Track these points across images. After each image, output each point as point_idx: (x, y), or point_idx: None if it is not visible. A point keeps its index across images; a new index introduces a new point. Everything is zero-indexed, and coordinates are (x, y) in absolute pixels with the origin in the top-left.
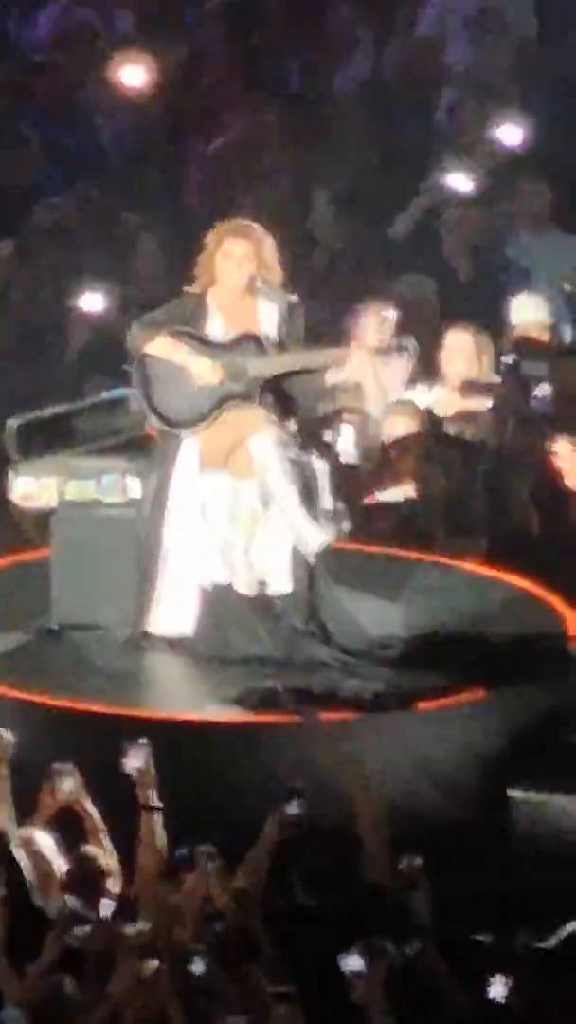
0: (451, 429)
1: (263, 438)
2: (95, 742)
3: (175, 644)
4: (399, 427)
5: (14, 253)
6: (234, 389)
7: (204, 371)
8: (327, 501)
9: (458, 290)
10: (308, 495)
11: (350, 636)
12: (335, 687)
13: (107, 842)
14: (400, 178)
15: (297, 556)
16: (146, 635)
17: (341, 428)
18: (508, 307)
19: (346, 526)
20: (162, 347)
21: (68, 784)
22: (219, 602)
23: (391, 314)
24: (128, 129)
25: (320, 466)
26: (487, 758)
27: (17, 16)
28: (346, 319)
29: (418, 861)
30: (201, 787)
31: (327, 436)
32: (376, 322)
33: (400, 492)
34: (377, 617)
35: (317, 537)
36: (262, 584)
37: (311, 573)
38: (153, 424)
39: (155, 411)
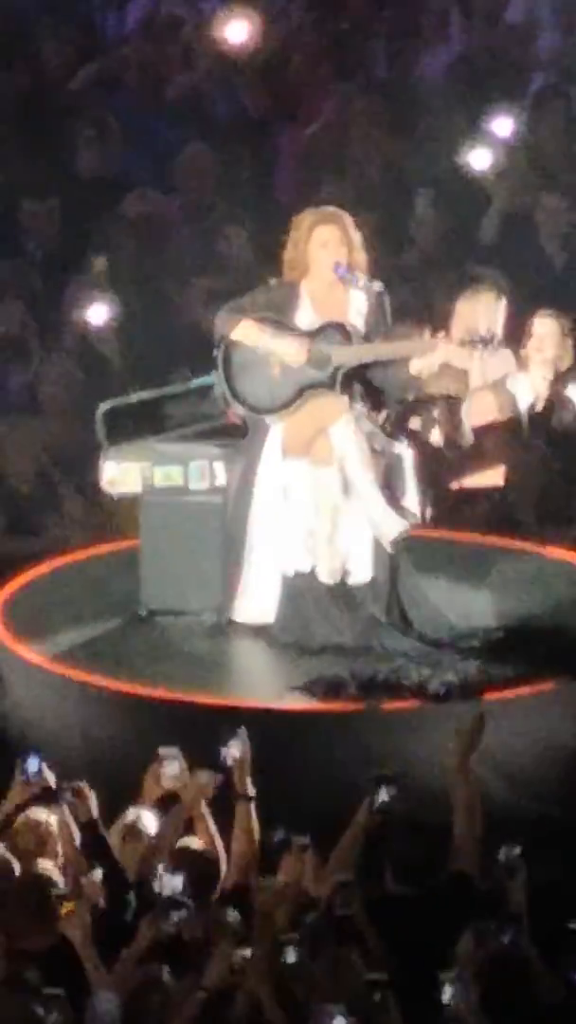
0: (547, 415)
1: (343, 426)
2: (182, 731)
3: (259, 631)
4: (488, 413)
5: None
6: (316, 377)
7: (289, 352)
8: (412, 489)
9: (550, 279)
10: (390, 484)
11: (434, 626)
12: (403, 676)
13: (212, 827)
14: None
15: (379, 545)
16: (231, 622)
17: (433, 414)
18: None
19: (428, 513)
20: (246, 332)
21: (173, 769)
22: (301, 590)
23: (502, 301)
24: (215, 118)
25: (406, 454)
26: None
27: (104, 7)
28: (440, 307)
29: (517, 850)
30: (291, 776)
31: (416, 423)
32: (486, 310)
33: (490, 478)
34: (463, 606)
35: (394, 525)
36: (344, 573)
37: (393, 562)
38: (235, 410)
39: (236, 397)
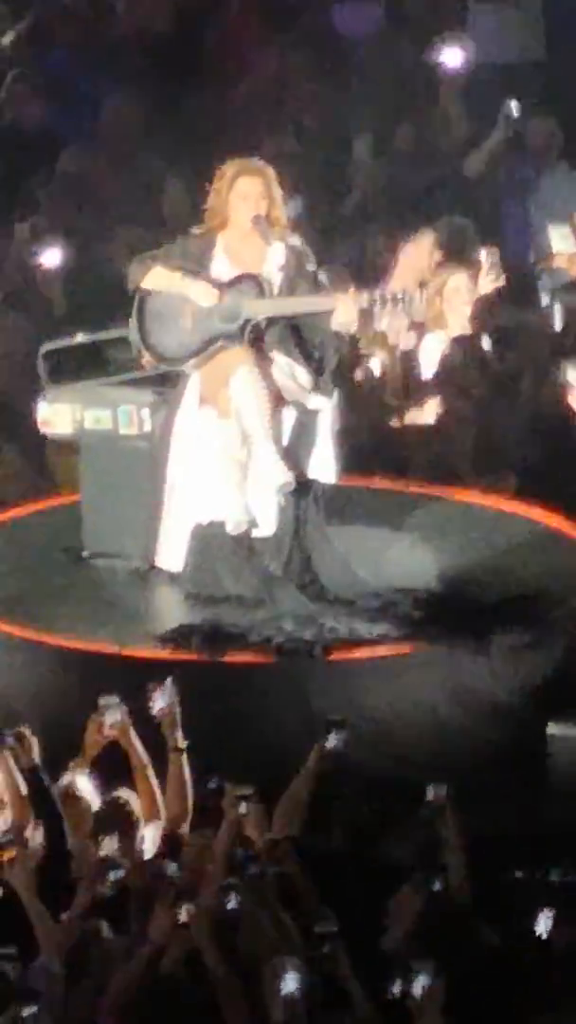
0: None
1: (240, 378)
2: (104, 680)
3: (175, 578)
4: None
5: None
6: (225, 329)
7: (200, 294)
8: (326, 443)
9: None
10: (300, 437)
11: (337, 581)
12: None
13: (152, 778)
14: (427, 114)
15: (287, 499)
16: (153, 568)
17: (369, 365)
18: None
19: (340, 468)
20: (158, 278)
21: (114, 717)
22: (209, 540)
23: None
24: (149, 72)
25: (325, 408)
26: (525, 696)
27: None
28: (382, 256)
29: (443, 790)
30: (237, 729)
31: (359, 374)
32: (427, 253)
33: (424, 416)
34: (376, 560)
35: (278, 476)
36: (250, 524)
37: (298, 516)
38: (145, 359)
39: (147, 346)
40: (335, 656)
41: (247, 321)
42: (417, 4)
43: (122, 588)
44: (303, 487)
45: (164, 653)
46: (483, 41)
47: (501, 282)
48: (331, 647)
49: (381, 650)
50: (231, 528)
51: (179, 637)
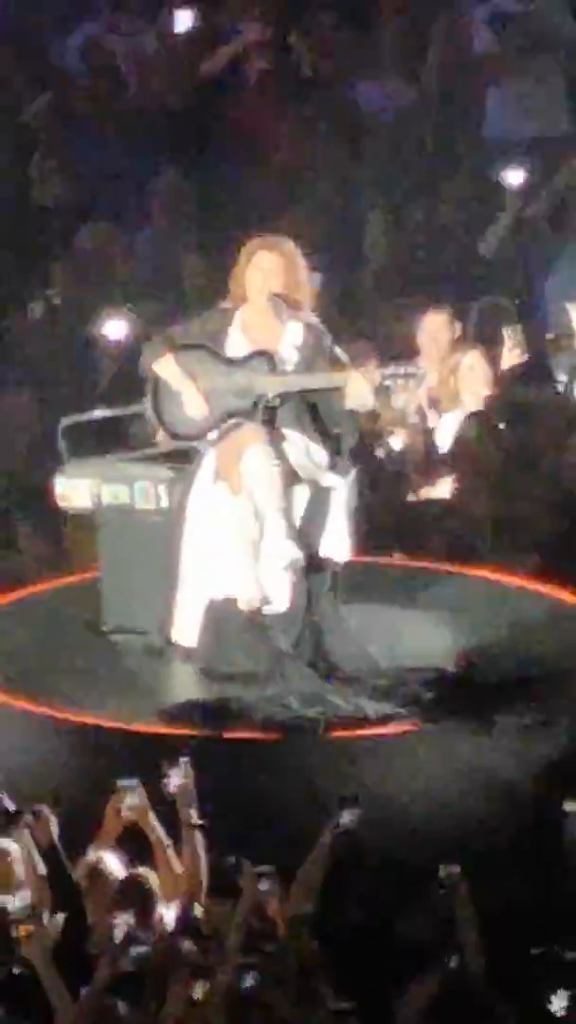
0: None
1: (251, 455)
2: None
3: (190, 654)
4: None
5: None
6: (239, 405)
7: (191, 403)
8: (340, 521)
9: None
10: (312, 514)
11: (350, 659)
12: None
13: (173, 857)
14: (449, 189)
15: (297, 575)
16: (169, 643)
17: (389, 442)
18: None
19: (353, 546)
20: (165, 367)
21: (133, 800)
22: (221, 616)
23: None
24: (169, 147)
25: (340, 486)
26: (537, 774)
27: (50, 41)
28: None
29: (456, 869)
30: (245, 805)
31: (379, 451)
32: (442, 330)
33: (438, 491)
34: (391, 638)
35: (287, 553)
36: (263, 601)
37: (312, 592)
38: (161, 436)
39: (163, 423)
40: (341, 734)
41: (260, 397)
42: (436, 79)
43: (139, 663)
44: (316, 564)
45: (177, 729)
46: (504, 115)
47: (524, 359)
48: (335, 725)
49: (386, 729)
50: (243, 605)
51: (183, 713)
